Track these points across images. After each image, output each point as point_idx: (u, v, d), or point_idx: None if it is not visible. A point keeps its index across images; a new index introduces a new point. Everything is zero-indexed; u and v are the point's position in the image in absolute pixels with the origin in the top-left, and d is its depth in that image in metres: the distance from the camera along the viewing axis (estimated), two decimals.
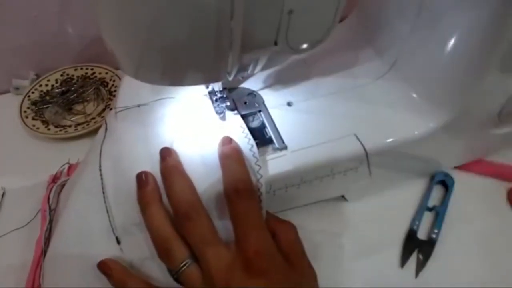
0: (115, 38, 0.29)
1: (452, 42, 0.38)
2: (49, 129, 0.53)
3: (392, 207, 0.45)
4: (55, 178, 0.47)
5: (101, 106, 0.56)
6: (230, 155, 0.35)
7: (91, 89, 0.57)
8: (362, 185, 0.43)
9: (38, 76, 0.60)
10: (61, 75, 0.59)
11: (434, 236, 0.42)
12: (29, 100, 0.56)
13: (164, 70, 0.31)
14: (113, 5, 0.27)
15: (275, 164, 0.37)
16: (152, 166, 0.36)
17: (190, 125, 0.39)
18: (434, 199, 0.45)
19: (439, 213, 0.43)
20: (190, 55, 0.28)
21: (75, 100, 0.57)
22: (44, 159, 0.51)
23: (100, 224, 0.36)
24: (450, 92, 0.40)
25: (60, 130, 0.53)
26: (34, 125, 0.53)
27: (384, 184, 0.45)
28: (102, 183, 0.36)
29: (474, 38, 0.37)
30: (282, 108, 0.42)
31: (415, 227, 0.43)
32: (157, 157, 0.36)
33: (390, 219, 0.44)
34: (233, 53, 0.26)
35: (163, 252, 0.32)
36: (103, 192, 0.36)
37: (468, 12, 0.38)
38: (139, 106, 0.41)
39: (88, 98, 0.57)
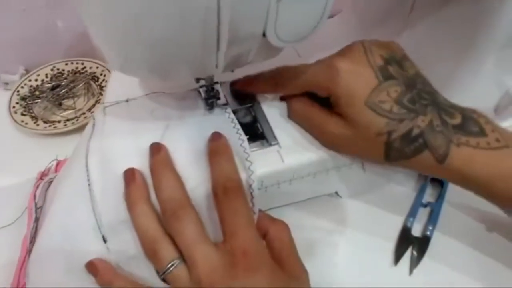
0: (100, 32, 0.29)
1: (445, 37, 0.37)
2: (38, 125, 0.52)
3: (387, 203, 0.44)
4: (43, 175, 0.46)
5: (92, 101, 0.55)
6: (219, 151, 0.34)
7: (82, 84, 0.56)
8: (356, 181, 0.42)
9: (27, 71, 0.59)
10: (51, 70, 0.58)
11: (428, 233, 0.41)
12: (18, 95, 0.55)
13: (151, 64, 0.30)
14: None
15: (267, 160, 0.36)
16: (141, 162, 0.35)
17: (180, 120, 0.39)
18: (429, 196, 0.45)
19: (433, 210, 0.43)
20: (176, 48, 0.27)
21: (65, 95, 0.56)
22: (33, 155, 0.50)
23: (86, 222, 0.34)
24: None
25: (49, 126, 0.52)
26: (23, 121, 0.52)
27: (378, 180, 0.44)
28: (88, 180, 0.36)
29: (468, 33, 0.37)
30: (274, 102, 0.41)
31: (409, 224, 0.42)
32: (146, 153, 0.35)
33: (384, 216, 0.43)
34: (221, 45, 0.26)
35: (150, 252, 0.31)
36: (89, 190, 0.35)
37: (460, 7, 0.37)
38: (127, 101, 0.40)
39: (78, 93, 0.56)
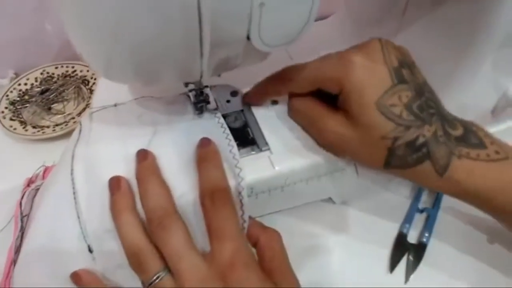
0: (81, 38, 0.28)
1: (441, 38, 0.36)
2: (26, 130, 0.51)
3: (382, 209, 0.43)
4: (30, 182, 0.45)
5: (82, 106, 0.54)
6: (207, 158, 0.33)
7: (72, 88, 0.55)
8: (349, 187, 0.41)
9: (17, 74, 0.58)
10: (41, 74, 0.57)
11: (424, 240, 0.40)
12: (7, 99, 0.54)
13: (135, 69, 0.29)
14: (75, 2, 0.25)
15: (257, 167, 0.35)
16: (128, 169, 0.34)
17: (168, 126, 0.38)
18: (425, 201, 0.44)
19: (430, 216, 0.42)
20: (159, 52, 0.26)
21: (54, 100, 0.55)
22: (21, 161, 0.49)
23: (72, 231, 0.33)
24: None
25: (38, 131, 0.51)
26: (11, 126, 0.51)
27: (373, 186, 0.43)
28: (73, 188, 0.35)
29: (465, 33, 0.36)
30: (266, 107, 0.40)
31: (405, 231, 0.41)
32: (133, 159, 0.34)
33: (379, 221, 0.42)
34: (204, 49, 0.25)
35: (135, 263, 0.30)
36: (74, 198, 0.34)
37: (456, 6, 0.36)
38: (115, 105, 0.40)
39: (68, 97, 0.55)
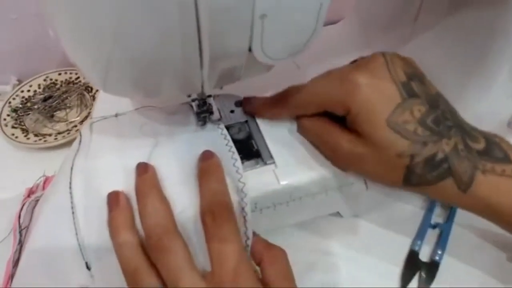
0: (76, 49, 0.27)
1: (455, 46, 0.35)
2: (28, 138, 0.50)
3: (392, 224, 0.41)
4: (30, 192, 0.44)
5: (84, 113, 0.53)
6: (209, 172, 0.31)
7: (75, 95, 0.54)
8: (358, 200, 0.40)
9: (20, 81, 0.57)
10: (44, 80, 0.56)
11: (437, 258, 0.38)
12: (9, 107, 0.54)
13: (134, 82, 0.28)
14: (69, 13, 0.24)
15: (262, 181, 0.34)
16: (127, 182, 0.33)
17: (170, 137, 0.36)
18: (438, 216, 0.42)
19: (443, 232, 0.40)
20: (158, 64, 0.25)
21: (57, 107, 0.54)
22: (23, 170, 0.48)
23: (70, 248, 0.32)
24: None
25: (40, 140, 0.50)
26: (13, 134, 0.50)
27: (382, 199, 0.41)
28: (71, 202, 0.33)
29: (481, 41, 0.34)
30: None
31: (416, 248, 0.39)
32: (133, 172, 0.33)
33: (389, 237, 0.40)
34: (204, 61, 0.23)
35: (132, 283, 0.29)
36: (73, 212, 0.33)
37: (472, 12, 0.34)
38: (116, 115, 0.38)
39: (71, 104, 0.54)
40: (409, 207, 0.42)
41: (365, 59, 0.32)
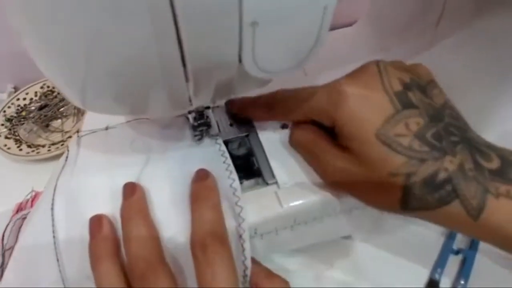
0: (48, 67, 0.24)
1: (481, 54, 0.31)
2: (21, 150, 0.48)
3: (409, 249, 0.37)
4: (19, 209, 0.41)
5: (81, 123, 0.50)
6: (202, 196, 0.28)
7: (71, 103, 0.52)
8: (370, 222, 0.36)
9: (16, 88, 0.55)
10: (41, 88, 0.54)
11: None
12: (4, 116, 0.51)
13: (115, 98, 0.25)
14: (37, 32, 0.21)
15: (262, 204, 0.30)
16: (114, 205, 0.30)
17: (163, 154, 0.33)
18: (461, 240, 0.38)
19: (466, 259, 0.36)
20: (137, 79, 0.21)
21: (53, 116, 0.51)
22: (15, 183, 0.45)
23: (50, 275, 0.30)
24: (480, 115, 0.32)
25: (33, 151, 0.47)
26: (5, 145, 0.48)
27: (397, 221, 0.38)
28: (52, 225, 0.30)
29: (509, 49, 0.30)
30: (275, 131, 0.34)
31: (436, 276, 0.35)
32: (120, 193, 0.30)
33: (406, 264, 0.37)
34: (189, 73, 0.20)
35: None
36: (54, 237, 0.30)
37: (500, 15, 0.30)
38: (107, 128, 0.35)
39: (67, 113, 0.52)
40: (428, 231, 0.38)
41: (358, 69, 0.29)
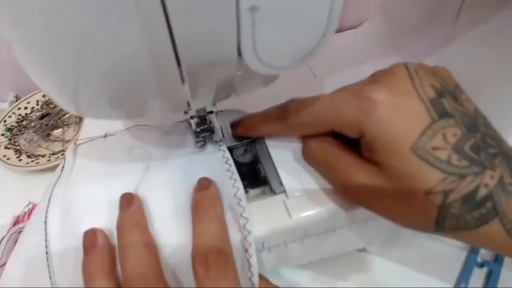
0: (38, 72, 0.22)
1: (506, 51, 0.28)
2: (20, 160, 0.46)
3: (430, 262, 0.35)
4: (16, 221, 0.40)
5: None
6: (204, 207, 0.26)
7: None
8: (388, 234, 0.33)
9: (18, 97, 0.54)
10: (43, 96, 0.53)
11: None
12: (4, 125, 0.50)
13: (109, 102, 0.23)
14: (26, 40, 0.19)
15: (270, 215, 0.28)
16: (110, 217, 0.28)
17: (163, 162, 0.31)
18: (486, 253, 0.35)
19: (492, 272, 0.33)
20: (130, 81, 0.20)
21: (54, 125, 0.50)
22: (14, 194, 0.44)
23: None
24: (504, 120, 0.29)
25: (32, 161, 0.46)
26: (5, 155, 0.47)
27: (417, 232, 0.35)
28: (45, 240, 0.28)
29: None
30: (282, 138, 0.32)
31: None
32: (117, 205, 0.28)
33: (427, 278, 0.34)
34: (184, 72, 0.18)
35: None
36: (47, 252, 0.28)
37: None
38: (105, 136, 0.34)
39: (69, 122, 0.50)
40: (450, 243, 0.35)
41: (384, 71, 0.26)
